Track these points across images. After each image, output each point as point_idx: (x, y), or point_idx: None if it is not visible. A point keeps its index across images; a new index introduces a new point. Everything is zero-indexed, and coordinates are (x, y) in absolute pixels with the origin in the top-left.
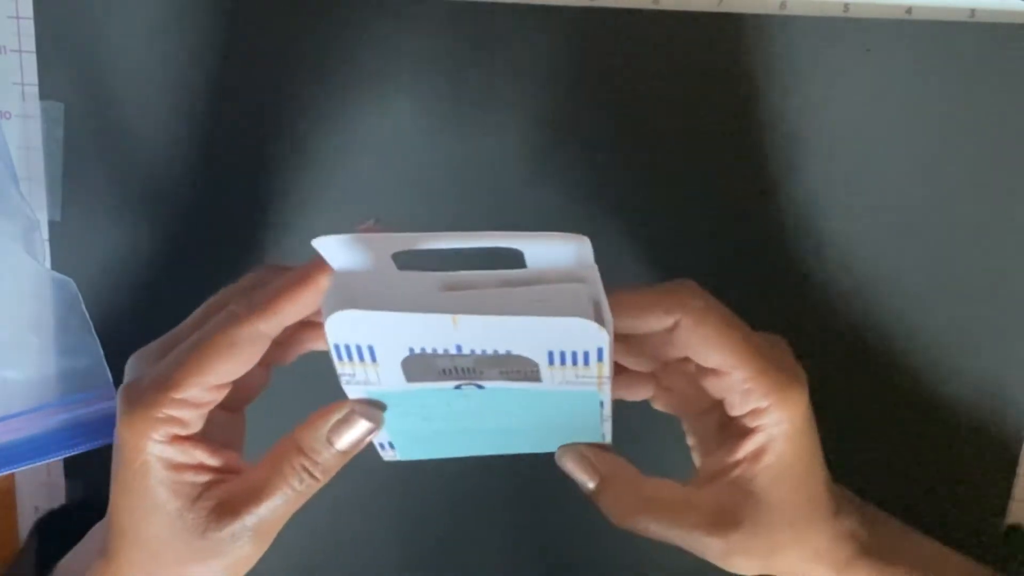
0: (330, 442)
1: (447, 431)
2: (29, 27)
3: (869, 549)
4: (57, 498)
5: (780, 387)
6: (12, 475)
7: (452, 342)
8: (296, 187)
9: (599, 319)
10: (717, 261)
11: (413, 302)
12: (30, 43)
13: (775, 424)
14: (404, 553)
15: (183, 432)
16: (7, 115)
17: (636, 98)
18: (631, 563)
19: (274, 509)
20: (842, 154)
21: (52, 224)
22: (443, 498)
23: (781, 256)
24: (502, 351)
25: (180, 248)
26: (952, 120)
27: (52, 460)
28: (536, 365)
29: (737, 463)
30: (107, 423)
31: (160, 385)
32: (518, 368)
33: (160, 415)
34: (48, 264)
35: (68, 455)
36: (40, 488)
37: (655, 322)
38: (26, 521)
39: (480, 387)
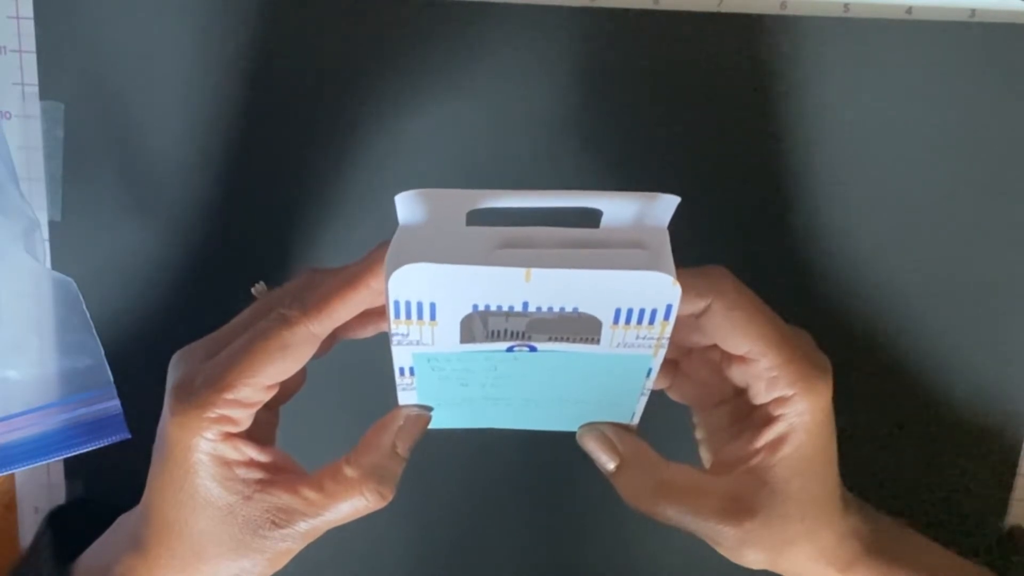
0: (396, 451)
1: (480, 399)
2: (29, 27)
3: (872, 550)
4: (57, 498)
5: (806, 377)
6: (12, 475)
7: (521, 298)
8: (296, 187)
9: None
10: (717, 260)
11: (478, 257)
12: (30, 43)
13: (798, 414)
14: (414, 557)
15: (234, 430)
16: (7, 115)
17: (636, 98)
18: (643, 571)
19: (330, 523)
20: (842, 154)
21: (52, 224)
22: (454, 504)
23: (780, 255)
24: (569, 308)
25: (180, 248)
26: (952, 120)
27: (52, 460)
28: (599, 324)
29: (756, 452)
30: (107, 423)
31: (213, 385)
32: (578, 329)
33: (213, 414)
34: (48, 264)
35: (68, 455)
36: (40, 488)
37: (687, 305)
38: (26, 521)
39: (533, 349)
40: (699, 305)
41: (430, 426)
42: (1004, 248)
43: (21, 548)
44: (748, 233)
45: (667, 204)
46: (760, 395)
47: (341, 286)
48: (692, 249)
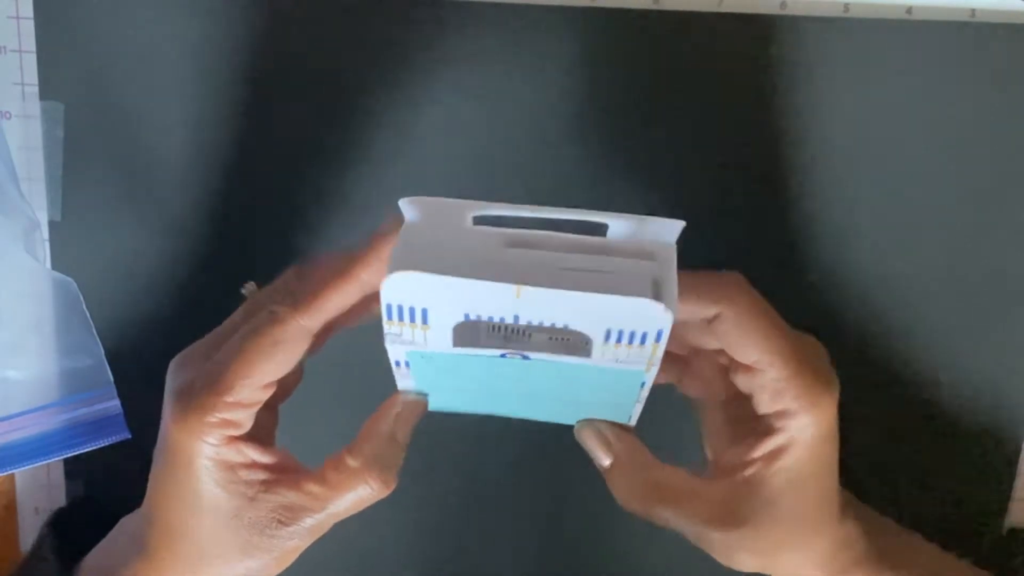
0: (396, 438)
1: (480, 391)
2: (29, 27)
3: (868, 556)
4: (57, 498)
5: (812, 392)
6: (12, 475)
7: (511, 312)
8: (297, 187)
9: (663, 299)
10: (716, 259)
11: (476, 265)
12: (30, 43)
13: (799, 428)
14: (416, 554)
15: (236, 433)
16: (7, 115)
17: (636, 98)
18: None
19: (336, 516)
20: (842, 154)
21: (52, 224)
22: (455, 501)
23: (779, 256)
24: (560, 324)
25: (180, 248)
26: (952, 120)
27: (52, 460)
28: (590, 340)
29: (754, 460)
30: (107, 423)
31: (211, 388)
32: (569, 341)
33: (214, 419)
34: (48, 264)
35: (68, 455)
36: (40, 488)
37: (698, 311)
38: (26, 521)
39: (525, 358)
40: (710, 311)
41: (442, 409)
42: (1004, 248)
43: (21, 548)
44: (747, 232)
45: (672, 228)
46: (764, 405)
47: (331, 279)
48: (691, 249)
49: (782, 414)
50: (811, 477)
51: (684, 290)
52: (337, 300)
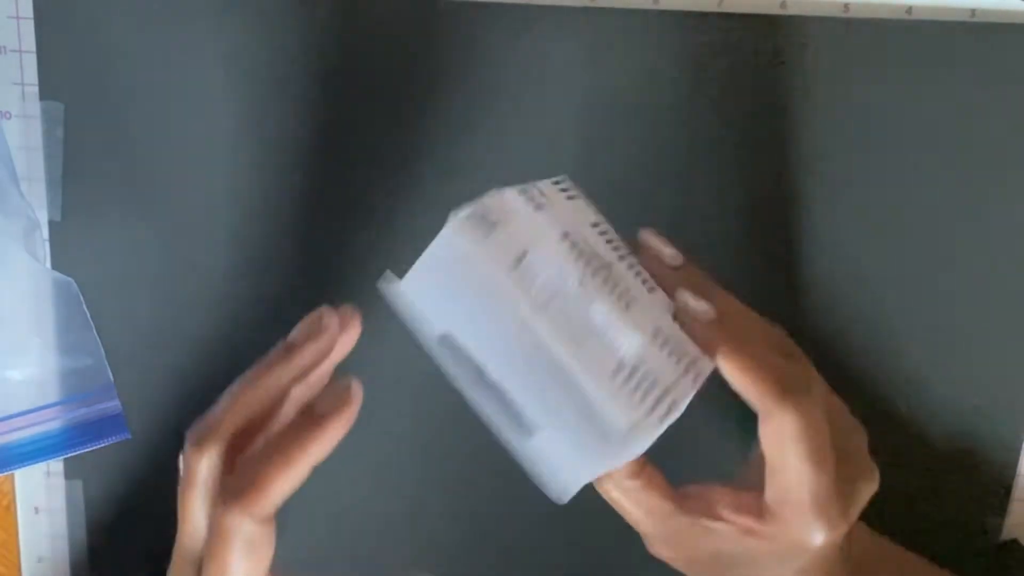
0: None
1: None
2: (29, 27)
3: None
4: (57, 498)
5: (807, 522)
6: (12, 475)
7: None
8: (296, 189)
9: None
10: (713, 260)
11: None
12: (30, 43)
13: (778, 536)
14: (418, 549)
15: None
16: (7, 115)
17: (636, 98)
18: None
19: None
20: (841, 154)
21: (52, 224)
22: (457, 496)
23: (778, 254)
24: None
25: (180, 248)
26: (952, 120)
27: (52, 460)
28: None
29: (728, 520)
30: (107, 423)
31: None
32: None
33: None
34: (48, 264)
35: (68, 455)
36: (40, 488)
37: (752, 397)
38: (26, 521)
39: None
40: (760, 405)
41: None
42: (1003, 248)
43: (21, 548)
44: (745, 232)
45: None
46: (769, 497)
47: (274, 469)
48: (690, 249)
49: (774, 515)
50: (767, 567)
51: (740, 377)
52: (286, 488)
